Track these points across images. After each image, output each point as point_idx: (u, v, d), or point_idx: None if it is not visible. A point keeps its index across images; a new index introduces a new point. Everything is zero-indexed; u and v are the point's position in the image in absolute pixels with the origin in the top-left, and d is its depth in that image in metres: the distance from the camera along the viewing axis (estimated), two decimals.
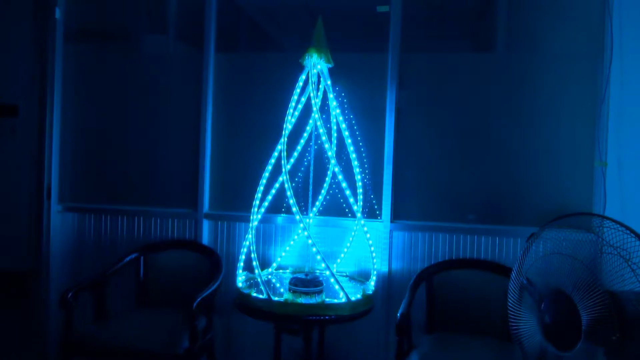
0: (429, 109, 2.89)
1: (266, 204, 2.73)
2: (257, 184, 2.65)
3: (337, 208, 2.88)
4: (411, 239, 2.84)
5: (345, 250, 2.86)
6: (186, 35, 3.19)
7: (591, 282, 1.82)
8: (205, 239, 3.02)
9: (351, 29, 3.04)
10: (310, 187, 2.79)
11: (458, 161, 2.85)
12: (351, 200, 2.68)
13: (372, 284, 2.66)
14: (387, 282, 2.83)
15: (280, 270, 2.90)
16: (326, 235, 2.90)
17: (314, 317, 2.34)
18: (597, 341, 1.81)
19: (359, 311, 2.43)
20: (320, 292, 2.46)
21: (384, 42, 2.87)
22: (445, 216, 2.84)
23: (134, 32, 3.27)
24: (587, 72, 2.72)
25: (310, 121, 2.75)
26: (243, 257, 2.69)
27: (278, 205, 2.85)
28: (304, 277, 2.54)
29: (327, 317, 2.35)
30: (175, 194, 3.10)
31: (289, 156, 2.66)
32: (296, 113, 2.67)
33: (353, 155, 2.70)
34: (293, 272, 2.83)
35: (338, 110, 2.71)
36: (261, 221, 2.83)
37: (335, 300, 2.40)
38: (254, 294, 2.43)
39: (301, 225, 2.53)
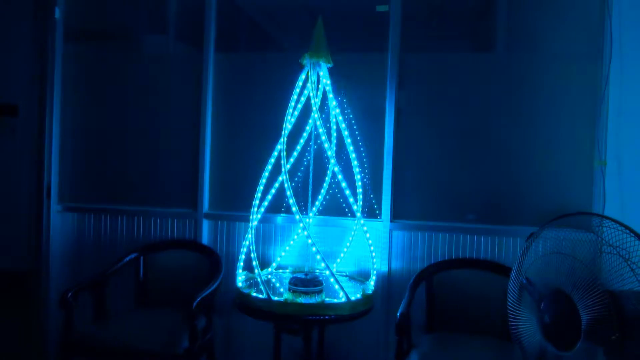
0: (428, 109, 2.90)
1: (266, 203, 2.73)
2: (256, 184, 2.65)
3: (336, 208, 2.89)
4: (411, 239, 2.84)
5: (345, 250, 2.86)
6: (186, 35, 3.20)
7: (591, 281, 1.82)
8: (205, 239, 3.02)
9: (351, 29, 3.04)
10: (310, 187, 2.79)
11: (458, 161, 2.85)
12: (351, 199, 2.68)
13: (371, 283, 2.66)
14: (387, 282, 2.83)
15: (280, 270, 2.90)
16: (326, 235, 2.90)
17: (314, 317, 2.34)
18: (597, 341, 1.81)
19: (359, 311, 2.43)
20: (320, 292, 2.47)
21: (383, 42, 2.87)
22: (445, 216, 2.84)
23: (134, 32, 3.27)
24: (586, 72, 2.73)
25: (310, 121, 2.75)
26: (243, 256, 2.69)
27: (278, 205, 2.85)
28: (303, 276, 2.54)
29: (326, 317, 2.35)
30: (175, 194, 3.10)
31: (288, 156, 2.66)
32: (296, 113, 2.67)
33: (353, 155, 2.70)
34: (293, 272, 2.83)
35: (338, 110, 2.71)
36: (261, 221, 2.83)
37: (335, 300, 2.40)
38: (254, 294, 2.43)
39: (301, 225, 2.53)
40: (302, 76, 2.66)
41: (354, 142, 2.81)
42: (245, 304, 2.45)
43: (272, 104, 2.93)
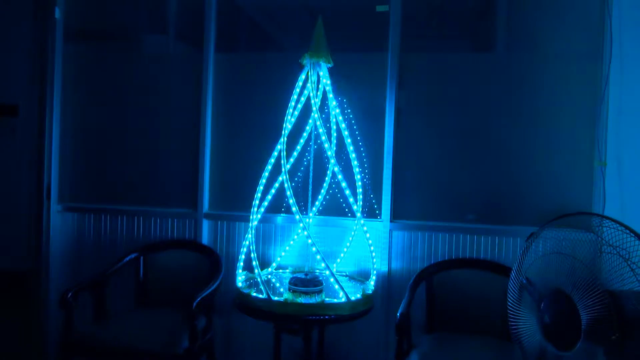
0: (429, 109, 2.90)
1: (266, 203, 2.73)
2: (256, 184, 2.65)
3: (336, 208, 2.89)
4: (411, 239, 2.84)
5: (345, 249, 2.86)
6: (186, 35, 3.20)
7: (591, 281, 1.82)
8: (205, 239, 3.02)
9: (351, 29, 3.04)
10: (310, 187, 2.79)
11: (458, 161, 2.85)
12: (351, 199, 2.68)
13: (371, 283, 2.66)
14: (387, 282, 2.83)
15: (280, 270, 2.90)
16: (326, 235, 2.90)
17: (314, 317, 2.34)
18: (597, 341, 1.81)
19: (359, 311, 2.43)
20: (320, 292, 2.47)
21: (383, 42, 2.87)
22: (445, 216, 2.84)
23: (134, 32, 3.27)
24: (586, 72, 2.73)
25: (310, 121, 2.75)
26: (243, 256, 2.69)
27: (278, 205, 2.85)
28: (303, 276, 2.54)
29: (326, 317, 2.35)
30: (175, 194, 3.10)
31: (288, 156, 2.66)
32: (296, 113, 2.67)
33: (353, 155, 2.70)
34: (293, 272, 2.83)
35: (338, 110, 2.71)
36: (261, 221, 2.83)
37: (335, 300, 2.40)
38: (254, 294, 2.43)
39: (301, 224, 2.53)
40: (302, 76, 2.66)
41: (354, 142, 2.81)
42: (245, 304, 2.45)
43: (272, 104, 2.93)
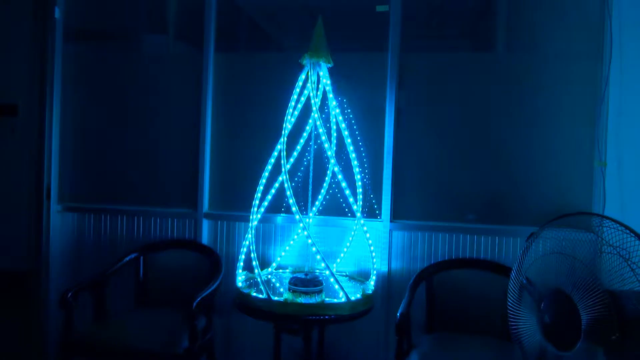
0: (429, 109, 2.90)
1: (266, 203, 2.73)
2: (256, 184, 2.65)
3: (336, 208, 2.89)
4: (411, 239, 2.84)
5: (345, 250, 2.86)
6: (186, 35, 3.20)
7: (591, 281, 1.82)
8: (205, 239, 3.02)
9: (351, 29, 3.04)
10: (310, 187, 2.79)
11: (458, 161, 2.85)
12: (351, 199, 2.68)
13: (371, 283, 2.66)
14: (387, 282, 2.83)
15: (280, 270, 2.90)
16: (326, 234, 2.90)
17: (314, 317, 2.34)
18: (597, 341, 1.81)
19: (359, 311, 2.43)
20: (320, 292, 2.47)
21: (383, 42, 2.87)
22: (445, 216, 2.84)
23: (134, 32, 3.27)
24: (586, 72, 2.73)
25: (310, 121, 2.75)
26: (243, 256, 2.69)
27: (278, 205, 2.85)
28: (303, 276, 2.54)
29: (326, 317, 2.35)
30: (175, 193, 3.10)
31: (288, 156, 2.66)
32: (296, 113, 2.67)
33: (353, 155, 2.70)
34: (293, 272, 2.83)
35: (338, 110, 2.71)
36: (261, 221, 2.83)
37: (335, 300, 2.40)
38: (254, 294, 2.43)
39: (301, 224, 2.53)
40: (302, 76, 2.66)
41: (354, 142, 2.81)
42: (245, 304, 2.45)
43: (272, 104, 2.93)
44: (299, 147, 2.82)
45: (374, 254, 2.73)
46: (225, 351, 3.01)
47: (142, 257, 2.87)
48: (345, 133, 2.70)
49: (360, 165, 2.79)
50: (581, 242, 1.97)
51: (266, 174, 2.66)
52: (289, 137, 2.59)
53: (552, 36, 2.79)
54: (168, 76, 3.12)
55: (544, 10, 2.79)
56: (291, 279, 2.53)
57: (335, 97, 2.72)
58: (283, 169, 2.52)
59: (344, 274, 2.85)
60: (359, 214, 2.65)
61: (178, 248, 2.93)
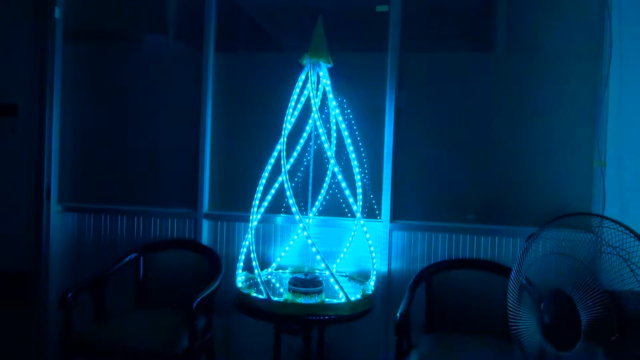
0: (428, 109, 2.90)
1: (266, 203, 2.73)
2: (256, 184, 2.65)
3: (336, 208, 2.88)
4: (411, 239, 2.84)
5: (345, 250, 2.86)
6: (186, 35, 3.20)
7: (590, 282, 1.83)
8: (205, 239, 3.02)
9: (351, 29, 3.04)
10: (310, 187, 2.79)
11: (458, 161, 2.85)
12: (351, 200, 2.68)
13: (371, 284, 2.66)
14: (387, 282, 2.83)
15: (280, 270, 2.90)
16: (326, 235, 2.90)
17: (314, 317, 2.34)
18: (597, 341, 1.81)
19: (359, 311, 2.43)
20: (319, 292, 2.47)
21: (383, 42, 2.87)
22: (444, 216, 2.84)
23: (134, 32, 3.27)
24: (586, 72, 2.72)
25: (310, 121, 2.75)
26: (243, 257, 2.69)
27: (278, 205, 2.85)
28: (303, 277, 2.54)
29: (326, 317, 2.35)
30: (175, 194, 3.10)
31: (288, 156, 2.66)
32: (296, 113, 2.66)
33: (352, 155, 2.70)
34: (293, 272, 2.83)
35: (338, 110, 2.71)
36: (261, 221, 2.83)
37: (335, 300, 2.40)
38: (254, 294, 2.43)
39: (301, 225, 2.52)
40: (302, 76, 2.66)
41: (354, 142, 2.81)
42: (245, 304, 2.45)
43: (272, 104, 2.93)
44: (298, 148, 2.82)
45: (373, 254, 2.73)
46: (225, 351, 3.01)
47: (142, 257, 2.87)
48: (345, 133, 2.70)
49: (360, 166, 2.79)
50: (581, 242, 1.97)
51: (266, 174, 2.66)
52: (289, 137, 2.59)
53: (552, 36, 2.79)
54: (168, 76, 3.12)
55: (543, 10, 2.79)
56: (291, 279, 2.53)
57: (335, 97, 2.72)
58: (283, 169, 2.52)
59: (344, 274, 2.85)
60: (358, 214, 2.65)
61: (178, 248, 2.93)
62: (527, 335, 2.00)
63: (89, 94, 3.20)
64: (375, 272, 2.71)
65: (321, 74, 2.65)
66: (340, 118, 2.71)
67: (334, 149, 2.75)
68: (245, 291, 2.47)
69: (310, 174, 2.78)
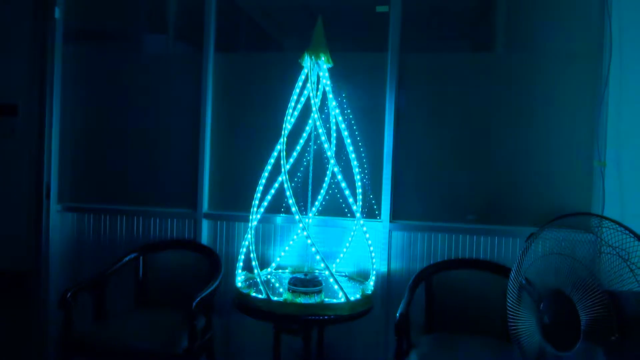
0: (428, 109, 2.90)
1: (265, 203, 2.73)
2: (256, 184, 2.65)
3: (336, 208, 2.89)
4: (410, 239, 2.84)
5: (345, 250, 2.86)
6: (186, 35, 3.20)
7: (590, 282, 1.83)
8: (205, 239, 3.02)
9: (351, 29, 3.04)
10: (310, 187, 2.79)
11: (458, 161, 2.85)
12: (350, 200, 2.68)
13: (371, 284, 2.66)
14: (386, 282, 2.84)
15: (280, 270, 2.90)
16: (325, 235, 2.91)
17: (313, 317, 2.34)
18: (596, 341, 1.81)
19: (358, 311, 2.43)
20: (319, 292, 2.47)
21: (383, 42, 2.87)
22: (444, 216, 2.84)
23: (134, 32, 3.27)
24: (586, 72, 2.72)
25: (310, 121, 2.75)
26: (242, 257, 2.69)
27: (277, 205, 2.85)
28: (303, 277, 2.54)
29: (326, 317, 2.35)
30: (174, 194, 3.10)
31: (288, 156, 2.66)
32: (296, 113, 2.66)
33: (352, 155, 2.70)
34: (292, 272, 2.83)
35: (337, 110, 2.71)
36: (260, 221, 2.83)
37: (335, 300, 2.40)
38: (253, 294, 2.43)
39: (300, 225, 2.53)
40: (302, 76, 2.66)
41: (354, 143, 2.81)
42: (244, 304, 2.45)
43: (272, 104, 2.93)
44: (298, 148, 2.82)
45: (373, 254, 2.73)
46: (224, 351, 3.01)
47: (141, 257, 2.87)
48: (345, 133, 2.70)
49: (360, 166, 2.79)
50: (580, 242, 1.97)
51: (266, 174, 2.66)
52: (288, 137, 2.59)
53: (551, 36, 2.79)
54: (168, 76, 3.12)
55: (543, 10, 2.79)
56: (291, 279, 2.53)
57: (335, 98, 2.72)
58: (283, 169, 2.52)
59: (344, 274, 2.85)
60: (358, 214, 2.65)
61: (178, 248, 2.93)
62: (526, 335, 2.00)
63: (89, 94, 3.20)
64: (374, 272, 2.71)
65: (321, 74, 2.65)
66: (340, 118, 2.72)
67: (334, 149, 2.75)
68: (245, 291, 2.47)
69: (310, 174, 2.78)
